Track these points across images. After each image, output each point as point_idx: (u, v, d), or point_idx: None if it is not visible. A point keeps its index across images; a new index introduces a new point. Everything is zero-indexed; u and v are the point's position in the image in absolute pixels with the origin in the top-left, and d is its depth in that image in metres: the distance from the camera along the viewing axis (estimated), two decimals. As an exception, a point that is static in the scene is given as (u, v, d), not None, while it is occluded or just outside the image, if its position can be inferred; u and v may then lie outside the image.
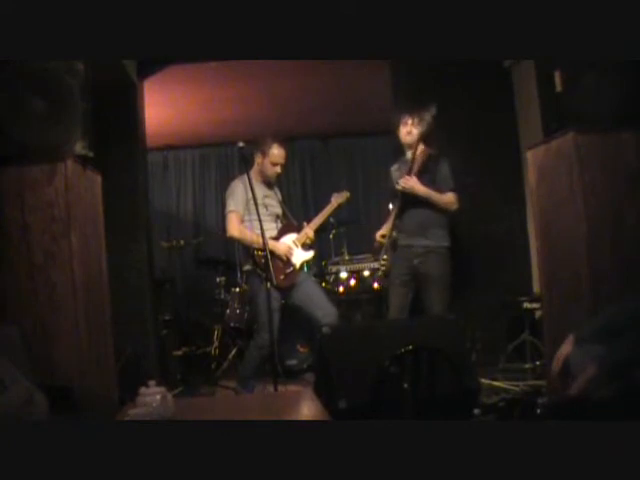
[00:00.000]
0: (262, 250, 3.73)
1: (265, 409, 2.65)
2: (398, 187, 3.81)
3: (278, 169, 4.10)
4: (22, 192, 2.64)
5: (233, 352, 5.40)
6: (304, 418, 2.28)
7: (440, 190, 3.86)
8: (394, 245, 3.95)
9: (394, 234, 3.95)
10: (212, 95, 5.85)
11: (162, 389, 2.17)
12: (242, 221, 4.01)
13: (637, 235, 2.77)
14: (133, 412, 2.09)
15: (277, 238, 4.08)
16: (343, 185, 7.81)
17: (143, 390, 2.14)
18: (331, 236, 5.95)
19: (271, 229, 4.07)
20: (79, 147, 2.76)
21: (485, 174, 4.84)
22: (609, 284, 2.75)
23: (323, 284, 5.71)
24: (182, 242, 5.97)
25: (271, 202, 4.15)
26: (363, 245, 6.21)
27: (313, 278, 4.66)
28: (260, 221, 3.52)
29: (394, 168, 4.15)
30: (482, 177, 4.82)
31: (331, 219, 5.92)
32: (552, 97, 2.94)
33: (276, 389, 3.56)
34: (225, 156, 7.78)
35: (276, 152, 4.06)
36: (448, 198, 3.89)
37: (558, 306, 3.10)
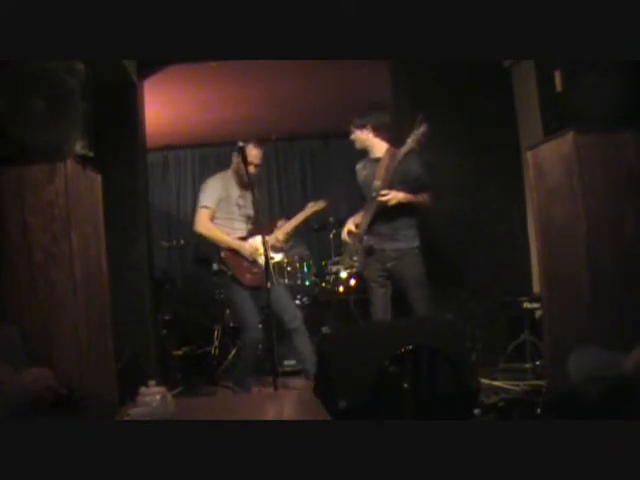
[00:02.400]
0: (229, 250, 3.97)
1: (265, 409, 2.65)
2: (379, 199, 3.81)
3: (252, 168, 4.07)
4: (22, 192, 2.64)
5: (233, 352, 5.40)
6: (304, 418, 2.28)
7: (413, 189, 3.87)
8: (367, 250, 3.96)
9: (365, 238, 3.96)
10: (212, 95, 5.85)
11: (162, 389, 2.17)
12: (212, 218, 4.07)
13: (637, 235, 2.77)
14: (133, 412, 2.09)
15: (245, 238, 4.13)
16: (343, 185, 7.86)
17: (143, 390, 2.14)
18: (331, 236, 5.94)
19: (241, 229, 4.14)
20: (79, 147, 2.76)
21: (485, 174, 4.85)
22: (609, 284, 2.75)
23: (323, 284, 5.72)
24: (182, 242, 5.96)
25: (245, 203, 4.18)
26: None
27: (282, 281, 4.78)
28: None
29: (359, 167, 4.14)
30: (482, 177, 4.82)
31: (331, 219, 5.96)
32: (552, 97, 2.94)
33: (276, 389, 3.56)
34: (225, 156, 7.72)
35: (251, 152, 4.05)
36: (424, 199, 3.91)
37: (558, 306, 3.10)
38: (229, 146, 7.34)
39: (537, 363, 4.24)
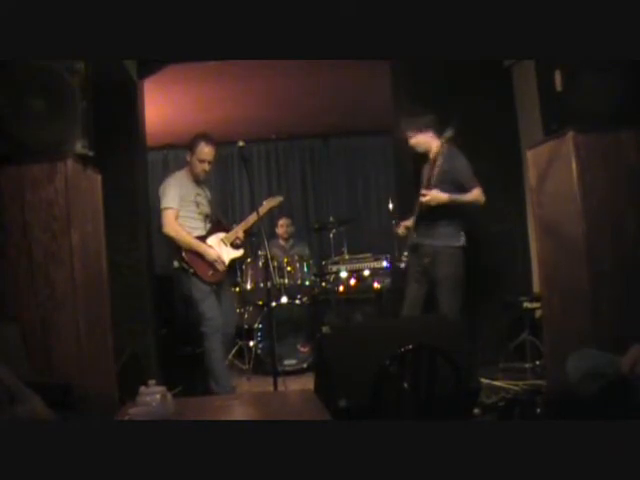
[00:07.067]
0: (190, 250, 4.06)
1: (265, 409, 2.65)
2: (420, 200, 3.84)
3: (205, 166, 4.18)
4: (22, 191, 2.64)
5: (233, 351, 5.40)
6: (304, 418, 2.28)
7: (459, 188, 3.86)
8: (411, 247, 4.02)
9: (413, 236, 3.99)
10: (212, 94, 5.85)
11: (162, 388, 2.17)
12: (177, 218, 4.12)
13: (637, 235, 2.78)
14: (133, 411, 2.09)
15: (205, 237, 4.21)
16: (343, 185, 7.88)
17: (143, 389, 2.14)
18: (331, 235, 5.94)
19: (200, 228, 4.22)
20: (79, 146, 2.77)
21: (485, 174, 4.83)
22: (609, 284, 2.75)
23: (323, 284, 5.72)
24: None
25: (202, 201, 4.26)
26: (363, 245, 6.21)
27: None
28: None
29: (425, 169, 4.10)
30: (482, 177, 4.81)
31: (331, 218, 5.98)
32: (552, 97, 2.94)
33: (276, 389, 3.56)
34: (225, 156, 7.78)
35: (203, 149, 4.14)
36: (473, 196, 3.87)
37: (558, 306, 3.10)
38: (229, 145, 7.42)
39: (537, 363, 4.25)
